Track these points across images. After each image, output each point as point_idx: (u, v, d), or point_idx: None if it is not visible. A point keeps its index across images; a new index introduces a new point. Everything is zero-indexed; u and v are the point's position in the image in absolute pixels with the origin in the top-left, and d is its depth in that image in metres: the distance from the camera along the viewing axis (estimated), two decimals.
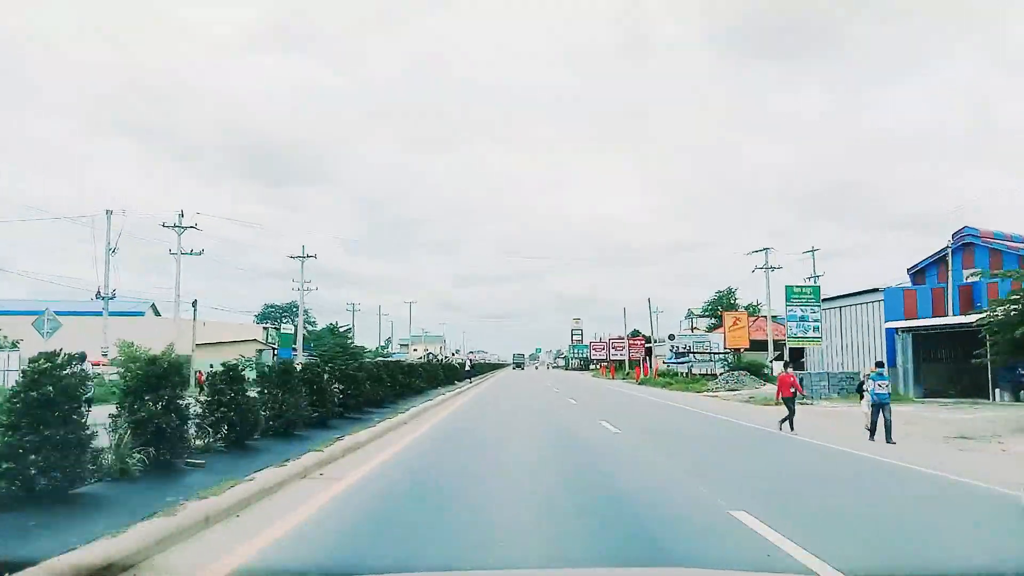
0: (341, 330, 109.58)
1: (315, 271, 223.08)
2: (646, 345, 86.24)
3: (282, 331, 56.99)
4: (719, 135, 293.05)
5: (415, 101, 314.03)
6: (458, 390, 31.89)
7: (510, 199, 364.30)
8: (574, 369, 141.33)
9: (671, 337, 56.86)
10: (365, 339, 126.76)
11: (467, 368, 46.32)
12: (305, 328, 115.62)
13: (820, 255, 46.71)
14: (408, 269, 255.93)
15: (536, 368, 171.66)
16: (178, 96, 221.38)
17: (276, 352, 52.91)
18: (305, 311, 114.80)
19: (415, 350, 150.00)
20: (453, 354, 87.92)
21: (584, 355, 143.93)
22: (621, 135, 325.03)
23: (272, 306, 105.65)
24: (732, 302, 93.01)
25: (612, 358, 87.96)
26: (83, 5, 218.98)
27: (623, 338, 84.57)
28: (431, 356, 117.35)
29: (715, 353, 52.24)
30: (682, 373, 52.28)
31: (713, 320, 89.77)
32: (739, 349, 48.53)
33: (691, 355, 52.63)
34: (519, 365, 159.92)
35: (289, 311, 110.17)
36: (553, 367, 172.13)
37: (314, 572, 5.25)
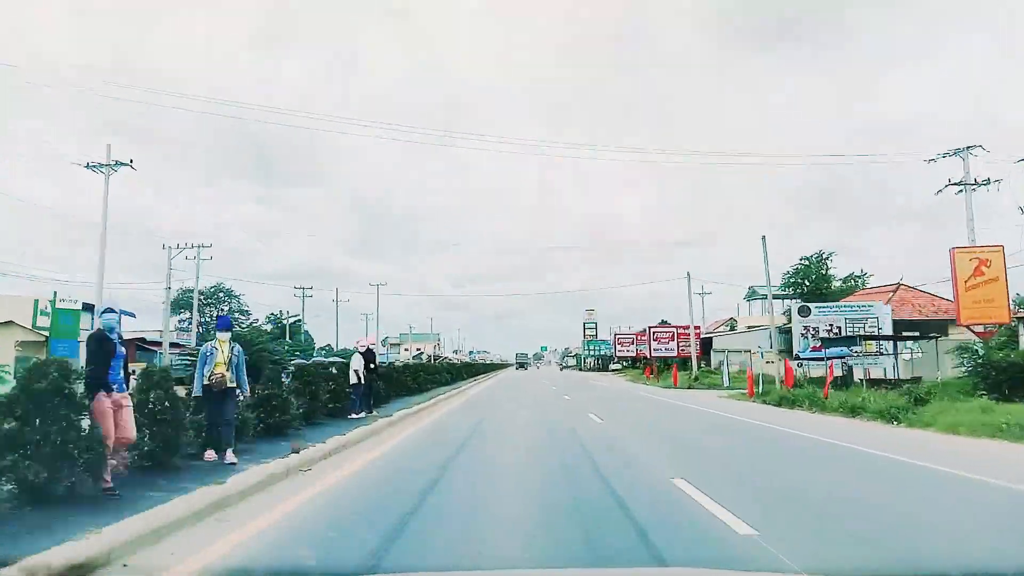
0: (290, 323, 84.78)
1: (313, 270, 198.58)
2: (702, 335, 60.50)
3: (61, 306, 29.31)
4: (720, 131, 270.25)
5: (414, 101, 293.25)
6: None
7: (510, 197, 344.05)
8: (590, 369, 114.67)
9: (803, 312, 30.22)
10: (352, 338, 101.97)
11: (356, 380, 15.53)
12: (237, 321, 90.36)
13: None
14: (408, 269, 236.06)
15: (538, 368, 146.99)
16: (175, 95, 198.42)
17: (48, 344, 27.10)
18: (230, 296, 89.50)
19: (406, 349, 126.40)
20: (382, 345, 61.17)
21: (602, 352, 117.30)
22: (622, 132, 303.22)
23: (192, 291, 79.95)
24: (825, 272, 67.01)
25: (655, 354, 61.64)
26: (78, 3, 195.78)
27: (681, 326, 58.42)
28: (421, 356, 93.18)
29: (920, 338, 26.17)
30: (838, 377, 26.37)
31: (798, 301, 63.98)
32: (990, 327, 22.68)
33: (851, 344, 26.59)
34: (522, 365, 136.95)
35: (215, 296, 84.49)
36: (564, 367, 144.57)
37: None
